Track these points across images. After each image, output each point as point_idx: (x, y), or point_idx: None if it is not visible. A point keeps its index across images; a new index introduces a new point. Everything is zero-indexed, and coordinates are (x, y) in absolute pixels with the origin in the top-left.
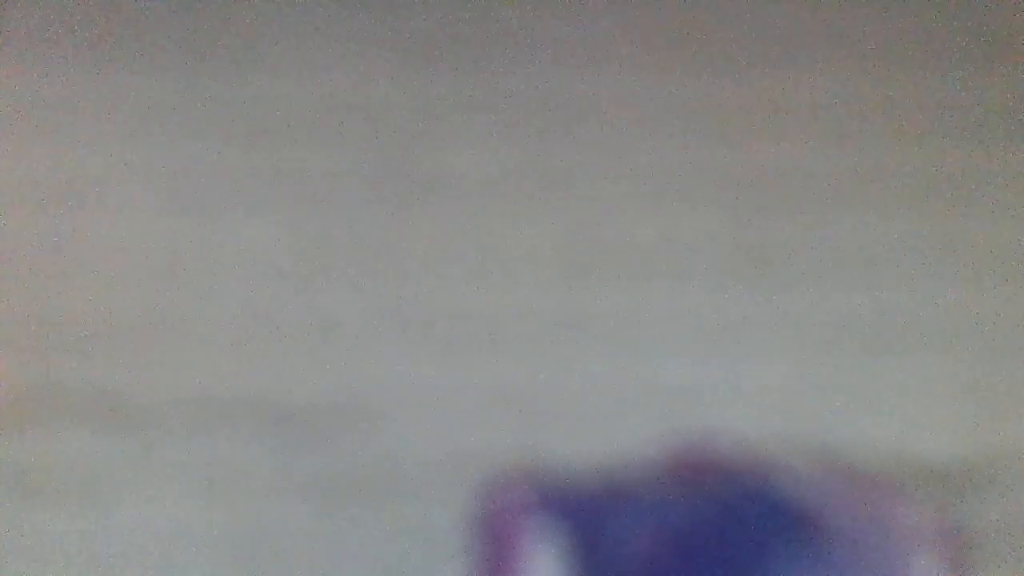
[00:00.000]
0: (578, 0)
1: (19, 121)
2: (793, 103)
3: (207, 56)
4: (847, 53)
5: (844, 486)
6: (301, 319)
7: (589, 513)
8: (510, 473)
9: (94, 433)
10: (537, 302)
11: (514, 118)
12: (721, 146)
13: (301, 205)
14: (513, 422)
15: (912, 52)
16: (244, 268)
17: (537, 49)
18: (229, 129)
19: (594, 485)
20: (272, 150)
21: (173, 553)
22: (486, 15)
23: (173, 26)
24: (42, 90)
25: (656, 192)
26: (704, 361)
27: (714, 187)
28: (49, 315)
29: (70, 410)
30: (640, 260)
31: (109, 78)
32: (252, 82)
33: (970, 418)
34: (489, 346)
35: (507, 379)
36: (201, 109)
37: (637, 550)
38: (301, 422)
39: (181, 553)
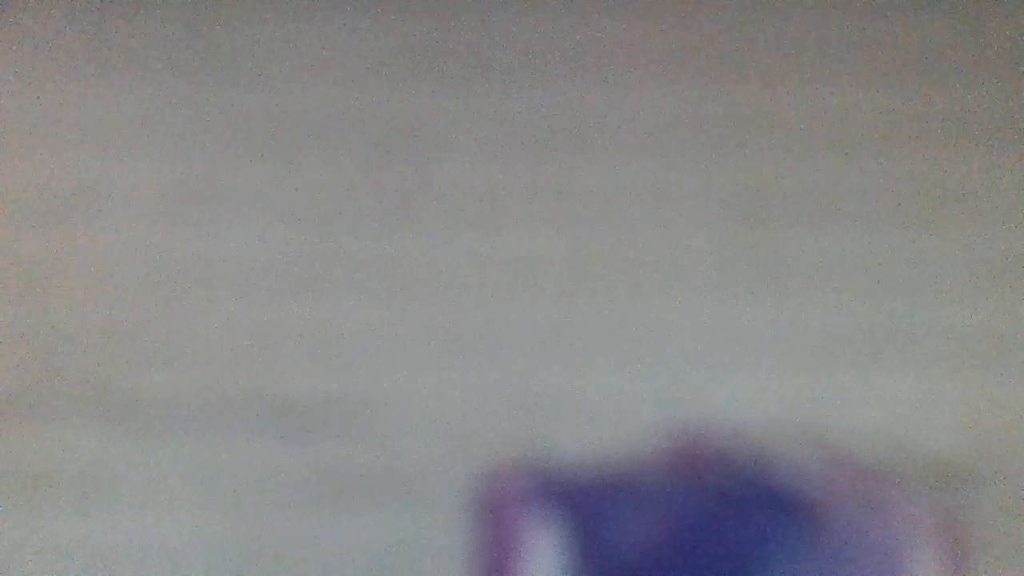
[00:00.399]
0: (579, 11)
1: (21, 128)
2: (793, 115)
3: (207, 66)
4: (846, 65)
5: (843, 479)
6: (302, 321)
7: (589, 509)
8: (510, 470)
9: (95, 433)
10: (537, 305)
11: (515, 128)
12: (721, 156)
13: (302, 210)
14: (513, 419)
15: (911, 63)
16: (245, 271)
17: (538, 60)
18: (229, 135)
19: (594, 478)
20: (273, 157)
21: (174, 552)
22: (486, 26)
23: (172, 36)
24: (44, 99)
25: (655, 200)
26: (704, 363)
27: (714, 196)
28: (51, 317)
29: (71, 410)
30: (639, 265)
31: (109, 86)
32: (252, 91)
33: (969, 411)
34: (489, 346)
35: (507, 378)
36: (202, 117)
37: (637, 542)
38: (302, 421)
39: (182, 551)
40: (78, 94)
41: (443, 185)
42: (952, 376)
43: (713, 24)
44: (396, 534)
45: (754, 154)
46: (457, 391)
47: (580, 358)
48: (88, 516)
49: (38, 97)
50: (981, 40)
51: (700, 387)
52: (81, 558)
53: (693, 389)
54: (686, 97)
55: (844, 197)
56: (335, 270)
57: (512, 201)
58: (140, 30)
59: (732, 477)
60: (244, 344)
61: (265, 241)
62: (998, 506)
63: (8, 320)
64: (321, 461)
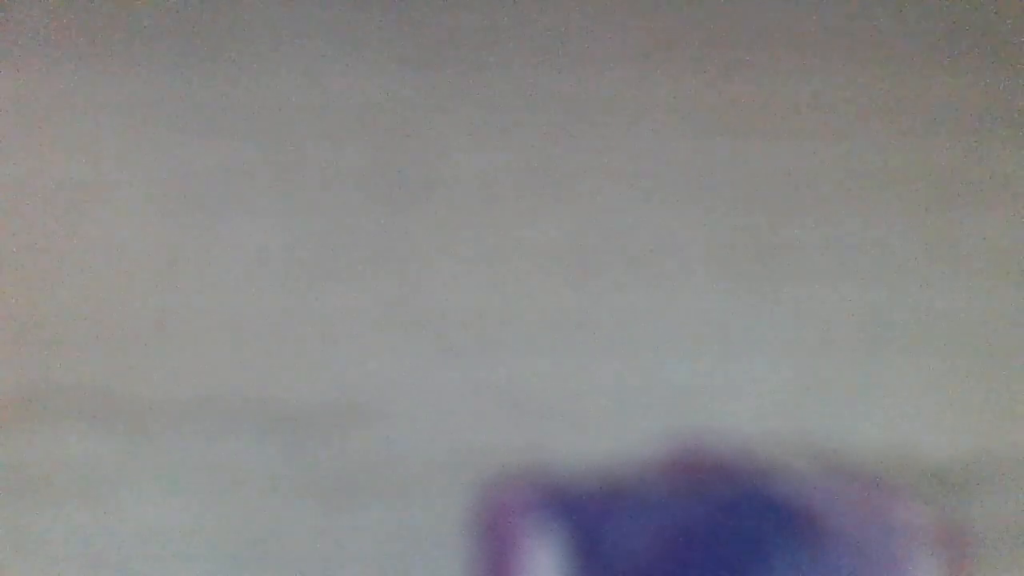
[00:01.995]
0: (583, 2)
1: (16, 120)
2: (794, 103)
3: (205, 56)
4: (847, 52)
5: (844, 486)
6: (301, 319)
7: (590, 513)
8: (511, 473)
9: (93, 433)
10: (538, 302)
11: (516, 117)
12: (722, 145)
13: (302, 205)
14: (515, 422)
15: (913, 51)
16: (243, 268)
17: (539, 48)
18: (227, 128)
19: (595, 485)
20: (272, 150)
21: (173, 553)
22: (488, 14)
23: (171, 26)
24: (39, 89)
25: (657, 191)
26: (705, 361)
27: (715, 186)
28: (48, 314)
29: (69, 410)
30: (640, 259)
31: (106, 77)
32: (251, 82)
33: (970, 417)
34: (490, 346)
35: (509, 379)
36: (200, 108)
37: (638, 549)
38: (301, 422)
39: (181, 553)
40: (72, 88)
41: (447, 181)
42: (955, 382)
43: (716, 12)
44: (395, 538)
45: (759, 146)
46: (456, 395)
47: (582, 360)
48: (86, 518)
49: (31, 91)
50: (986, 26)
51: (702, 390)
52: (79, 560)
53: (695, 392)
54: (688, 85)
55: (850, 187)
56: (335, 270)
57: (515, 196)
58: (138, 22)
59: (732, 485)
60: (244, 345)
61: (265, 240)
62: (1001, 514)
63: (4, 320)
64: (321, 463)
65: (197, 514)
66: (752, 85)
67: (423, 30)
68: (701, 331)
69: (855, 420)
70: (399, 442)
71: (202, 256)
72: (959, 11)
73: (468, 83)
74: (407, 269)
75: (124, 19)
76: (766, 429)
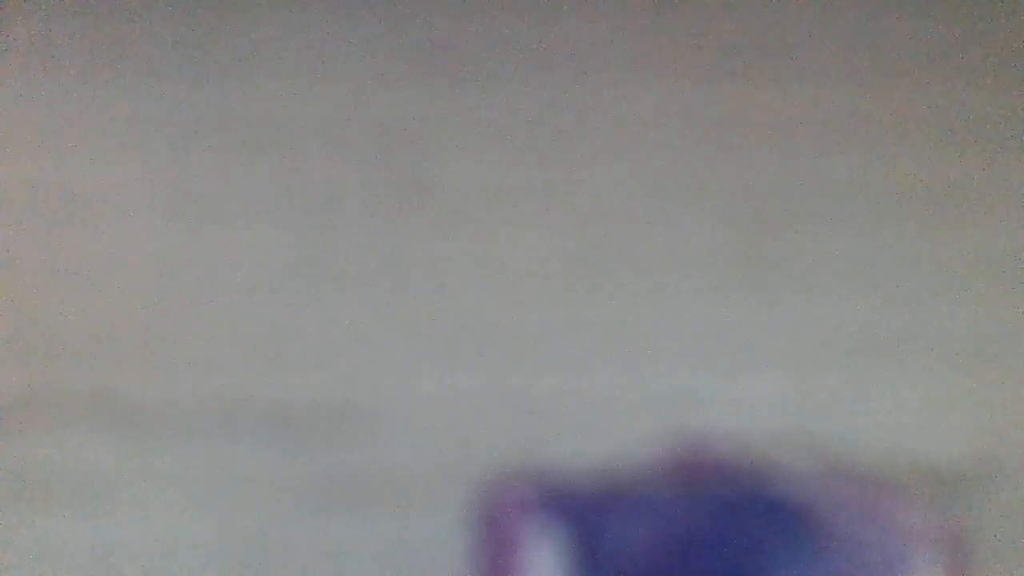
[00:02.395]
0: (581, 11)
1: (20, 129)
2: (793, 115)
3: (209, 65)
4: (846, 65)
5: (844, 487)
6: (302, 323)
7: (589, 514)
8: (511, 474)
9: (95, 436)
10: (538, 307)
11: (517, 127)
12: (721, 156)
13: (303, 211)
14: (514, 424)
15: (914, 65)
16: (245, 273)
17: (540, 60)
18: (231, 135)
19: (595, 485)
20: (274, 157)
21: (174, 554)
22: (488, 25)
23: (174, 35)
24: (44, 99)
25: (657, 201)
26: (705, 366)
27: (714, 196)
28: (50, 319)
29: (71, 413)
30: (641, 267)
31: (110, 86)
32: (254, 91)
33: (970, 419)
34: (490, 349)
35: (508, 381)
36: (203, 117)
37: (637, 550)
38: (302, 424)
39: (182, 554)
40: (75, 96)
41: (443, 187)
42: (954, 383)
43: (716, 24)
44: (395, 539)
45: (756, 155)
46: (456, 396)
47: (580, 364)
48: (88, 521)
49: (35, 99)
50: (984, 39)
51: (701, 393)
52: (81, 563)
53: (694, 395)
54: (688, 97)
55: (847, 197)
56: (334, 274)
57: (513, 202)
58: (139, 32)
59: (732, 485)
60: (244, 349)
61: (264, 245)
62: (1000, 513)
63: (7, 325)
64: (320, 466)
65: (198, 515)
66: (754, 97)
67: (424, 41)
68: (702, 335)
69: (855, 422)
70: (399, 443)
71: (203, 261)
72: (962, 24)
73: (469, 93)
74: (407, 273)
75: (126, 29)
76: (766, 430)
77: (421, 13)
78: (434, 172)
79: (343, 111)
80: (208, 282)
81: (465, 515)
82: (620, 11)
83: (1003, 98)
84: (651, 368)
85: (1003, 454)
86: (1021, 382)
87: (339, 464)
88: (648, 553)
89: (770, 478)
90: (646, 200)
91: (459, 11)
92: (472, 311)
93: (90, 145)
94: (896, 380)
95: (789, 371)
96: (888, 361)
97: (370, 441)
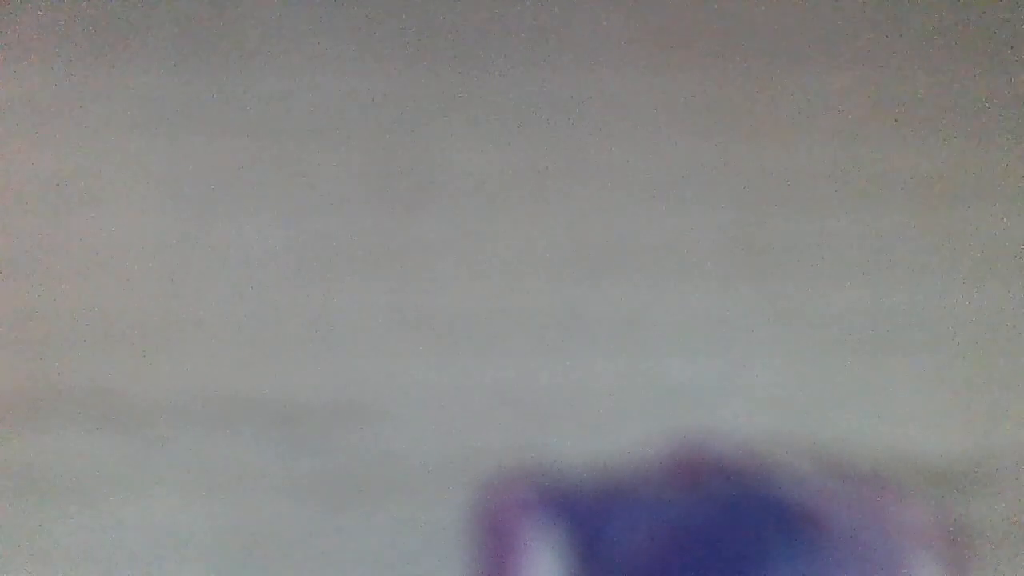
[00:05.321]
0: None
1: (16, 119)
2: (794, 102)
3: (207, 55)
4: (848, 53)
5: (844, 486)
6: (301, 319)
7: (589, 513)
8: (511, 472)
9: (94, 433)
10: (538, 302)
11: (516, 118)
12: (721, 145)
13: (301, 205)
14: (514, 422)
15: (913, 51)
16: (244, 268)
17: (539, 48)
18: (228, 128)
19: (594, 484)
20: (272, 149)
21: (173, 553)
22: (488, 14)
23: (172, 24)
24: (40, 87)
25: (657, 191)
26: (705, 360)
27: (715, 186)
28: (48, 314)
29: (70, 410)
30: (641, 259)
31: (107, 75)
32: (252, 81)
33: (971, 417)
34: (490, 346)
35: (508, 379)
36: (200, 108)
37: (637, 549)
38: (301, 422)
39: (181, 553)
40: (73, 88)
41: (445, 180)
42: (955, 382)
43: (719, 11)
44: (395, 538)
45: (758, 146)
46: (456, 395)
47: (583, 360)
48: (88, 519)
49: (32, 90)
50: (986, 27)
51: (702, 390)
52: (81, 561)
53: (695, 392)
54: (690, 85)
55: (849, 186)
56: (334, 271)
57: (515, 195)
58: (140, 19)
59: (732, 485)
60: (244, 346)
61: (265, 240)
62: (1002, 515)
63: (6, 321)
64: (321, 465)
65: (199, 514)
66: (751, 85)
67: (424, 31)
68: (701, 331)
69: (855, 420)
70: (399, 442)
71: (202, 257)
72: (957, 11)
73: (469, 84)
74: (407, 269)
75: (125, 19)
76: (766, 429)
77: (423, 5)
78: (436, 164)
79: (344, 102)
80: (208, 279)
81: (466, 512)
82: (622, 4)
83: (1008, 86)
84: (653, 365)
85: (1006, 451)
86: None
87: (339, 461)
88: (648, 550)
89: (771, 476)
90: (650, 192)
91: (461, 2)
92: (473, 307)
93: (88, 138)
94: (898, 376)
95: (791, 367)
96: (890, 356)
97: (370, 438)
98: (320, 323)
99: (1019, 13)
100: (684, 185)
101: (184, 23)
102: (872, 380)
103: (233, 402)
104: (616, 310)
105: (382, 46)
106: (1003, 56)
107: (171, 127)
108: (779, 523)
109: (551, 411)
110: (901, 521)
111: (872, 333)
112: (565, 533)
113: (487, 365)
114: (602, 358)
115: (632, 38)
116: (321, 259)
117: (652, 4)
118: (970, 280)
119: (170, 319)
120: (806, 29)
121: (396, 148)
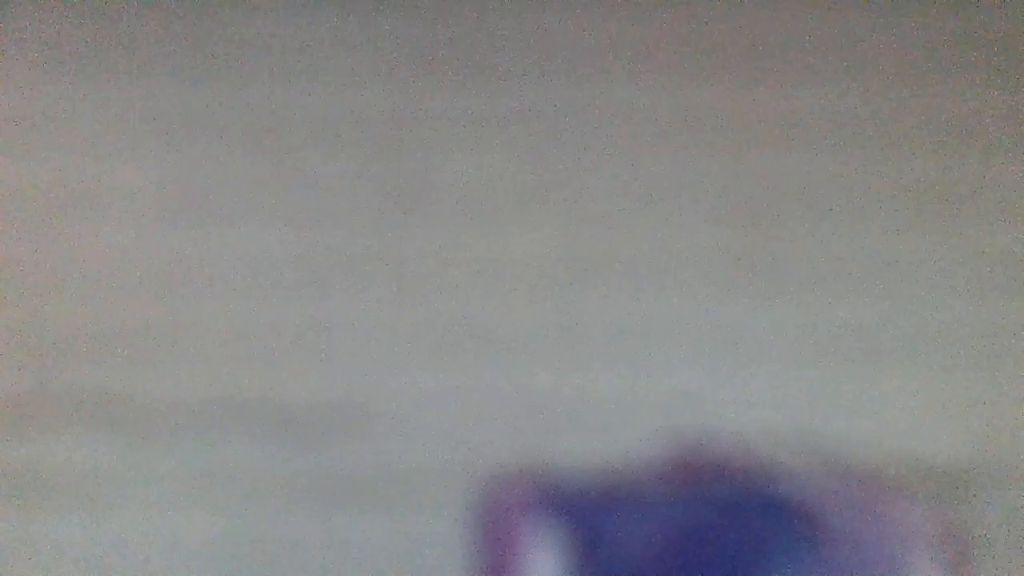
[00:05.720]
0: (579, 9)
1: (18, 126)
2: (792, 112)
3: (208, 63)
4: (846, 63)
5: (844, 487)
6: (301, 322)
7: (589, 515)
8: (510, 474)
9: (94, 436)
10: (537, 306)
11: (515, 126)
12: (720, 154)
13: (301, 210)
14: (513, 424)
15: (911, 62)
16: (244, 272)
17: (538, 58)
18: (230, 135)
19: (594, 485)
20: (273, 157)
21: (173, 556)
22: (487, 23)
23: (173, 33)
24: (42, 96)
25: (655, 199)
26: (705, 366)
27: (713, 194)
28: (49, 318)
29: (70, 413)
30: (639, 266)
31: (109, 85)
32: (253, 89)
33: (969, 418)
34: (489, 349)
35: (507, 382)
36: (202, 116)
37: (637, 551)
38: (302, 424)
39: (181, 556)
40: (74, 94)
41: (444, 185)
42: (954, 382)
43: (714, 22)
44: (395, 538)
45: (757, 153)
46: (456, 396)
47: (581, 363)
48: (88, 520)
49: (34, 96)
50: (984, 37)
51: (701, 392)
52: (80, 563)
53: (694, 394)
54: (687, 94)
55: (847, 196)
56: (333, 272)
57: (514, 200)
58: (139, 27)
59: (733, 485)
60: (245, 349)
61: (265, 244)
62: (1001, 514)
63: (5, 323)
64: (320, 465)
65: (198, 514)
66: (754, 95)
67: (422, 39)
68: (701, 337)
69: (855, 421)
70: (399, 443)
71: (203, 261)
72: (958, 24)
73: (469, 94)
74: (407, 273)
75: (127, 28)
76: (766, 431)
77: (421, 8)
78: (436, 172)
79: (344, 110)
80: (209, 282)
81: (466, 513)
82: (621, 7)
83: (1007, 96)
84: (653, 368)
85: (1006, 451)
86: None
87: (339, 463)
88: (648, 550)
89: (771, 476)
90: (648, 200)
91: (460, 5)
92: (473, 311)
93: (90, 144)
94: (899, 378)
95: (792, 370)
96: (891, 359)
97: (370, 441)
98: (320, 327)
99: (1018, 25)
100: (683, 194)
101: (184, 32)
102: (871, 384)
103: (232, 404)
104: (615, 315)
105: (382, 56)
106: (1001, 69)
107: (172, 135)
108: (779, 523)
109: (551, 413)
110: (901, 521)
111: (870, 338)
112: (565, 534)
113: (486, 369)
114: (601, 362)
115: (632, 51)
116: (321, 264)
117: (652, 17)
118: (968, 287)
119: (170, 323)
120: (806, 43)
121: (396, 156)
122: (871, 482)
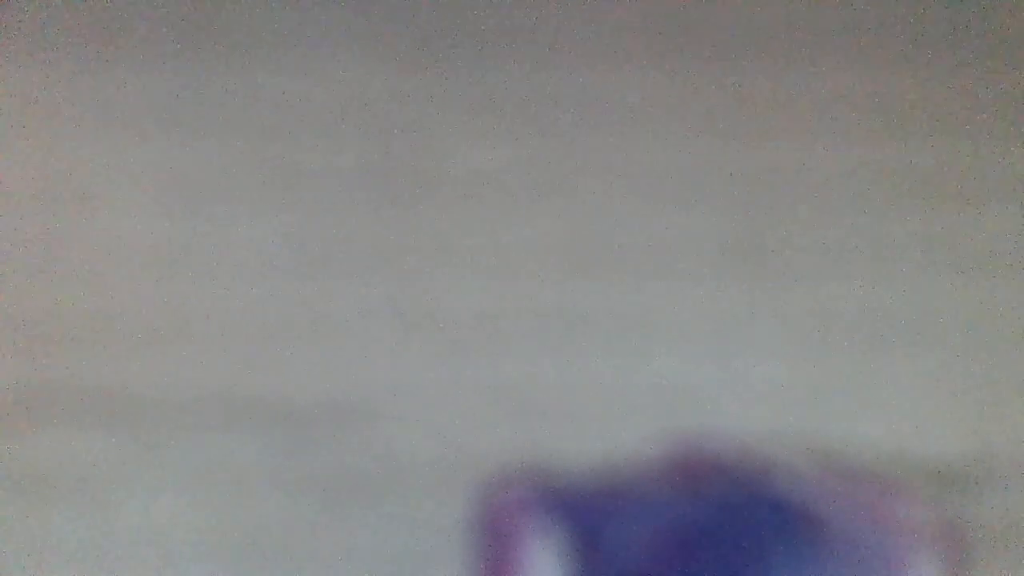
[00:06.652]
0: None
1: (17, 119)
2: (792, 101)
3: (207, 55)
4: (845, 52)
5: (844, 485)
6: (301, 318)
7: (589, 512)
8: (510, 472)
9: (94, 433)
10: (537, 301)
11: (514, 116)
12: (720, 144)
13: (301, 204)
14: (513, 421)
15: (911, 50)
16: (244, 267)
17: (538, 48)
18: (229, 127)
19: (594, 484)
20: (272, 148)
21: (173, 552)
22: (487, 14)
23: (172, 24)
24: (41, 88)
25: (655, 190)
26: (704, 360)
27: (713, 185)
28: (49, 315)
29: (70, 410)
30: (639, 258)
31: (108, 76)
32: (252, 80)
33: (970, 416)
34: (489, 345)
35: (507, 378)
36: (200, 107)
37: (637, 549)
38: (301, 421)
39: (181, 552)
40: (73, 86)
41: (443, 179)
42: (955, 382)
43: (714, 16)
44: (395, 537)
45: (756, 145)
46: (456, 395)
47: (580, 357)
48: (89, 518)
49: (33, 89)
50: (986, 26)
51: (701, 390)
52: (81, 559)
53: (694, 392)
54: (689, 83)
55: (846, 185)
56: (334, 270)
57: (515, 195)
58: (139, 18)
59: (732, 485)
60: (244, 346)
61: (265, 239)
62: (1001, 514)
63: (5, 320)
64: (321, 461)
65: (198, 513)
66: (751, 86)
67: (422, 29)
68: (701, 331)
69: (855, 420)
70: (399, 442)
71: (202, 256)
72: (957, 13)
73: (468, 83)
74: (407, 269)
75: (123, 19)
76: (766, 429)
77: (421, 4)
78: (435, 165)
79: (343, 101)
80: (208, 278)
81: (465, 512)
82: (623, 5)
83: (1006, 85)
84: (654, 365)
85: (1006, 452)
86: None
87: (339, 460)
88: (648, 550)
89: (771, 476)
90: (648, 191)
91: (460, 1)
92: (473, 307)
93: (90, 137)
94: (899, 376)
95: (791, 367)
96: (890, 356)
97: (370, 437)
98: (319, 323)
99: (1020, 15)
100: (684, 186)
101: (181, 23)
102: (871, 380)
103: (232, 402)
104: (616, 310)
105: (381, 46)
106: (1004, 58)
107: (170, 127)
108: (779, 523)
109: (551, 411)
110: (900, 520)
111: (871, 333)
112: (565, 532)
113: (486, 365)
114: (602, 358)
115: (634, 41)
116: (320, 259)
117: (655, 7)
118: (969, 281)
119: (169, 319)
120: (804, 32)
121: (395, 148)
122: (871, 479)
